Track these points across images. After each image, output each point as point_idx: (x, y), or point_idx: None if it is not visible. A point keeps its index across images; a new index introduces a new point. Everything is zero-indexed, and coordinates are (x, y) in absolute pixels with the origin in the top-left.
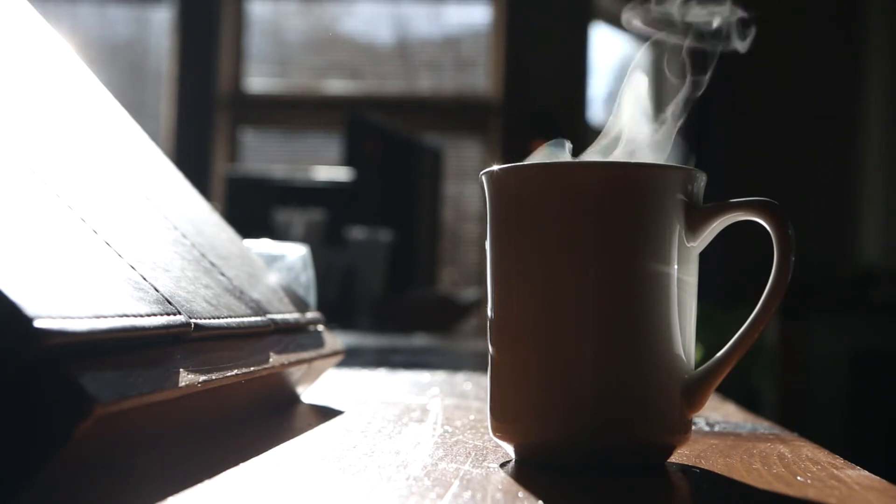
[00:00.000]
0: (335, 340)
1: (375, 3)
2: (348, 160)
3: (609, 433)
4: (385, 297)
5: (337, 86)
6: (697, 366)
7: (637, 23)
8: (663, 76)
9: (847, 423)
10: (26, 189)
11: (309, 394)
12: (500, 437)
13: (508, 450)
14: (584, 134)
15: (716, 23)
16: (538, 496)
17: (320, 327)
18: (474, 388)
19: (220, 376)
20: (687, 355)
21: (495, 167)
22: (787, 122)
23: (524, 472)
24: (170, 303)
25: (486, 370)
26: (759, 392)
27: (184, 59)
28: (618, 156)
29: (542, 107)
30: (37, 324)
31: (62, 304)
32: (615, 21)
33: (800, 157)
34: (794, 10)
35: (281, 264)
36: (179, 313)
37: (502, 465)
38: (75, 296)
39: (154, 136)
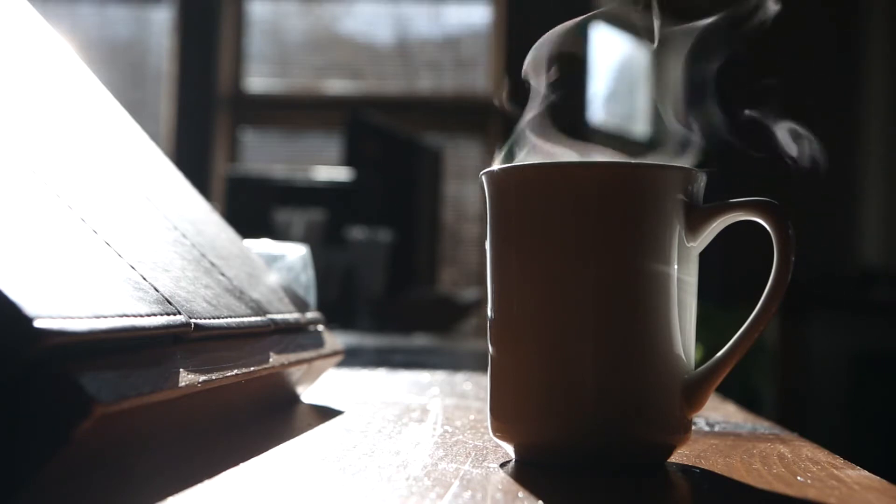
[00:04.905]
0: (335, 340)
1: (375, 3)
2: (348, 160)
3: (609, 433)
4: (385, 297)
5: (337, 86)
6: (697, 366)
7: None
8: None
9: (847, 423)
10: (26, 189)
11: (309, 394)
12: (500, 437)
13: (508, 450)
14: (583, 134)
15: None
16: (538, 496)
17: (320, 327)
18: (474, 388)
19: (220, 376)
20: (687, 355)
21: (495, 167)
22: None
23: (524, 472)
24: (170, 303)
25: (486, 370)
26: (759, 392)
27: (184, 59)
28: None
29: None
30: (37, 324)
31: (62, 304)
32: (615, 21)
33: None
34: (794, 11)
35: (281, 264)
36: (179, 313)
37: (502, 465)
38: (75, 296)
39: (154, 136)
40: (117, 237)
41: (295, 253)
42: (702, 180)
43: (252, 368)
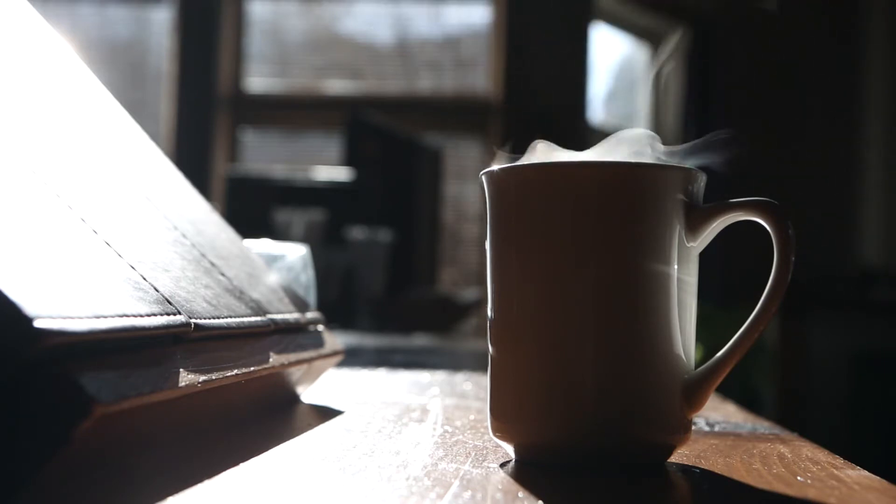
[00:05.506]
0: (335, 340)
1: (375, 3)
2: (348, 160)
3: (609, 433)
4: (385, 297)
5: (337, 86)
6: (697, 366)
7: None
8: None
9: (847, 423)
10: (26, 189)
11: (309, 394)
12: (500, 437)
13: (508, 450)
14: (584, 134)
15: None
16: (538, 496)
17: (320, 327)
18: (474, 388)
19: (220, 376)
20: (687, 355)
21: (495, 167)
22: (787, 122)
23: (524, 472)
24: (170, 303)
25: (486, 370)
26: (759, 392)
27: (184, 59)
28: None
29: (543, 107)
30: (37, 324)
31: (62, 304)
32: (615, 21)
33: (800, 157)
34: (794, 11)
35: (281, 264)
36: (179, 313)
37: (502, 465)
38: (75, 296)
39: (154, 136)
40: (117, 237)
41: (295, 253)
42: (702, 180)
43: (252, 368)
